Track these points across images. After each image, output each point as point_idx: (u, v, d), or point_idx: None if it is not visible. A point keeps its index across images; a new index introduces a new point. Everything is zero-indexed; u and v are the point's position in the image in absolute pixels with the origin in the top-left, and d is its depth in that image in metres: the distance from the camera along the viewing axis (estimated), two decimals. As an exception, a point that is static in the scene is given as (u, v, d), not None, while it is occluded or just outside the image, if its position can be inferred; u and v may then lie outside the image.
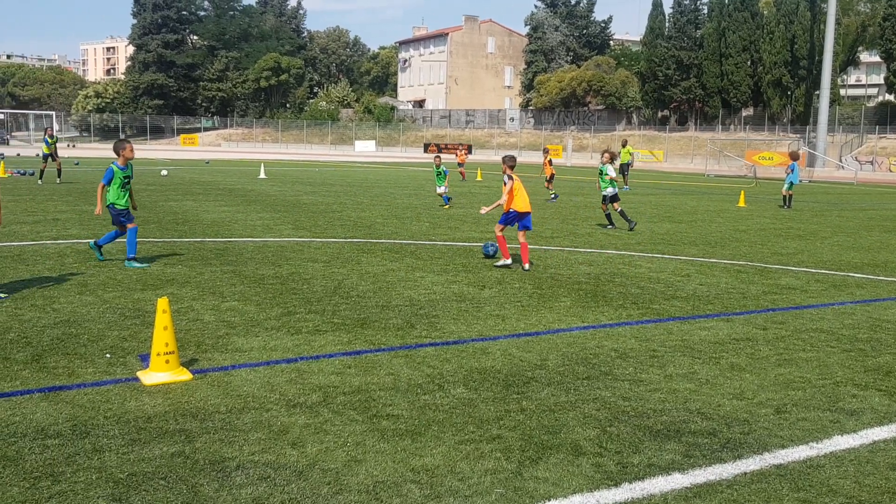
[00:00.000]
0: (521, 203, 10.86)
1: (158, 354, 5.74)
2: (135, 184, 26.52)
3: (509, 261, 11.05)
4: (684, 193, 29.99)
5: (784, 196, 23.83)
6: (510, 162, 11.11)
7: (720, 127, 72.55)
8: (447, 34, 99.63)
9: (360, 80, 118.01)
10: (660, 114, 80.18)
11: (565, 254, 12.71)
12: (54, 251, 11.47)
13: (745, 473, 4.44)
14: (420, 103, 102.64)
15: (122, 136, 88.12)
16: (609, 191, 16.37)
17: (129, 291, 8.76)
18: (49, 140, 26.00)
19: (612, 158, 16.83)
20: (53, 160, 25.81)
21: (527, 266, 10.81)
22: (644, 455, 4.65)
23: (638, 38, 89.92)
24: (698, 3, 75.01)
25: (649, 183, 37.34)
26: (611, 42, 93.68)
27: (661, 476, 4.38)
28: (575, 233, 15.71)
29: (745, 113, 73.82)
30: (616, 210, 16.59)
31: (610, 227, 16.71)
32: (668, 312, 8.57)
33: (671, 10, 75.43)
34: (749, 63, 69.37)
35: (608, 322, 8.03)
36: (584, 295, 9.35)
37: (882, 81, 76.30)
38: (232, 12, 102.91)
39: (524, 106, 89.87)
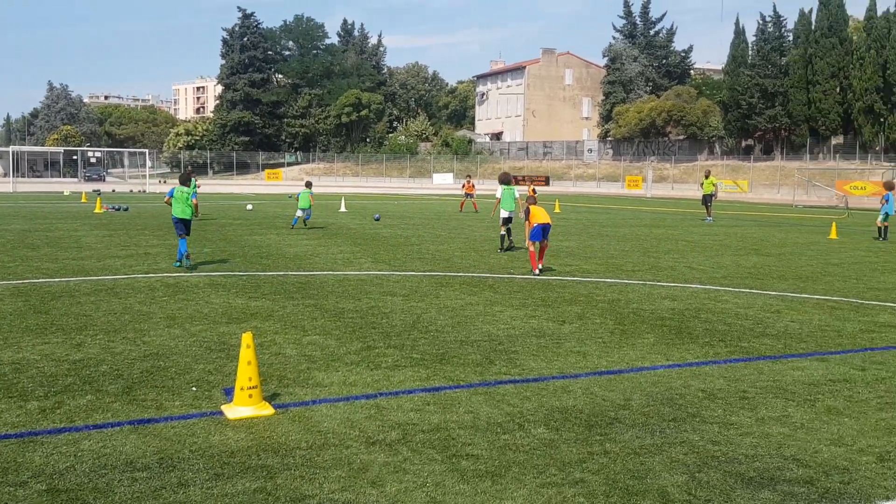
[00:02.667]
0: (540, 218, 13.47)
1: (242, 389, 5.84)
2: (221, 218, 27.45)
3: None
4: (771, 225, 29.01)
5: (879, 227, 22.76)
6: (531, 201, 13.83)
7: (808, 156, 70.14)
8: (524, 67, 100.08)
9: (439, 113, 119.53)
10: (743, 143, 78.16)
11: (647, 288, 12.42)
12: (145, 284, 11.91)
13: (848, 528, 4.17)
14: (497, 136, 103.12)
15: (209, 173, 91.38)
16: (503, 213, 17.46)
17: (215, 325, 8.99)
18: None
19: (505, 181, 17.82)
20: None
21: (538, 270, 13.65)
22: (736, 504, 4.43)
23: (719, 67, 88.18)
24: (783, 30, 73.16)
25: (734, 214, 36.28)
26: (691, 71, 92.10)
27: (755, 528, 4.15)
28: (657, 266, 15.36)
29: (834, 141, 71.15)
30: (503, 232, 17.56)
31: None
32: (757, 351, 8.23)
33: (754, 38, 73.76)
34: (838, 90, 67.03)
35: (694, 360, 7.77)
36: (669, 331, 9.08)
37: (984, 106, 72.37)
38: (315, 51, 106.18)
39: (602, 137, 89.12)
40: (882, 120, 64.91)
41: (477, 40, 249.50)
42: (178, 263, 13.91)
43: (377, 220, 26.08)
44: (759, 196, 63.12)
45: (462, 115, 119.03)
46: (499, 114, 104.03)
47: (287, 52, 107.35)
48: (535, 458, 5.06)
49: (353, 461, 4.96)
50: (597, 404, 6.22)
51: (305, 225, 23.33)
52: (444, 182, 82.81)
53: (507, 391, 6.54)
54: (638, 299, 11.30)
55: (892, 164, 61.22)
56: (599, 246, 19.34)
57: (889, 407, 6.31)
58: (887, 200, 22.86)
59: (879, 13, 65.20)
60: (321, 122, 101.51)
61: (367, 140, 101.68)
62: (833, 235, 23.33)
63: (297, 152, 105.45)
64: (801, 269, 15.41)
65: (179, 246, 13.97)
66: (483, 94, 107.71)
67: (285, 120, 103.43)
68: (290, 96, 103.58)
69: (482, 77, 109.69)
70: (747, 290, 12.38)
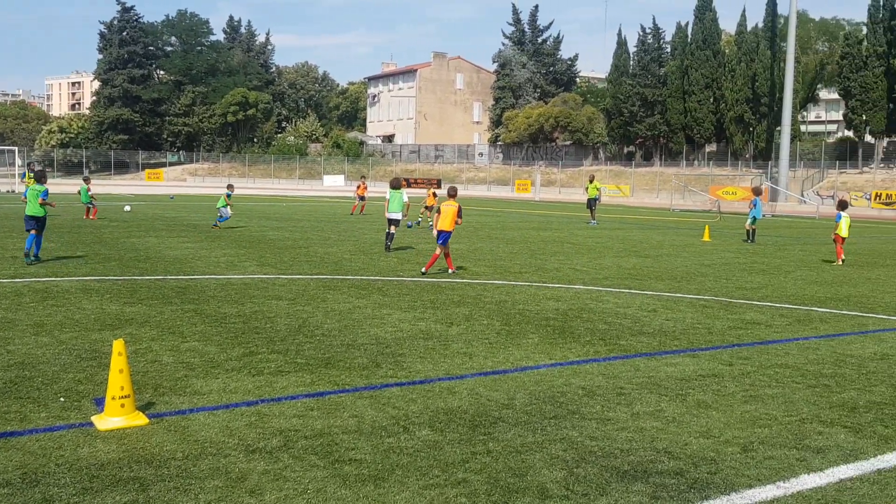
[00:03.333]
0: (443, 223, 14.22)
1: (113, 398, 5.56)
2: (99, 219, 26.12)
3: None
4: (651, 228, 30.30)
5: (747, 230, 24.18)
6: (452, 192, 14.67)
7: (685, 162, 73.78)
8: (416, 70, 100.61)
9: (329, 114, 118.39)
10: (626, 149, 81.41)
11: (533, 289, 12.70)
12: (11, 290, 11.17)
13: (713, 515, 4.38)
14: (389, 138, 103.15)
15: (85, 172, 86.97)
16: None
17: (87, 332, 8.54)
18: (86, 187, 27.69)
19: (395, 185, 18.51)
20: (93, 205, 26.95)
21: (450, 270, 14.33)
22: (611, 497, 4.58)
23: (603, 76, 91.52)
24: (661, 41, 76.73)
25: (616, 217, 37.68)
26: (577, 79, 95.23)
27: (628, 519, 4.30)
28: (543, 268, 15.73)
29: (708, 149, 75.21)
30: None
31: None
32: (634, 349, 8.55)
33: (635, 49, 77.02)
34: (712, 100, 70.86)
35: (576, 359, 7.99)
36: (552, 331, 9.31)
37: (841, 118, 78.37)
38: (199, 48, 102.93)
39: (493, 141, 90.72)
40: (751, 129, 69.13)
41: (368, 42, 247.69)
42: (29, 260, 14.19)
43: (410, 227, 26.17)
44: (640, 200, 65.85)
45: (353, 116, 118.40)
46: (390, 116, 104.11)
47: (169, 48, 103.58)
48: (419, 460, 5.06)
49: (231, 470, 4.81)
50: (481, 404, 6.30)
51: (217, 226, 23.39)
52: (334, 184, 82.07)
53: (392, 394, 6.52)
54: (524, 300, 11.54)
55: (761, 170, 65.26)
56: (489, 248, 19.63)
57: (753, 400, 6.70)
58: (755, 205, 24.32)
59: (749, 28, 69.38)
60: (206, 121, 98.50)
61: (255, 140, 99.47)
62: (706, 238, 24.60)
63: (180, 152, 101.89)
64: (676, 269, 16.16)
65: (28, 240, 14.31)
66: (374, 96, 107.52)
67: (167, 118, 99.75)
68: (172, 94, 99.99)
69: (373, 79, 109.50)
70: (627, 291, 12.87)
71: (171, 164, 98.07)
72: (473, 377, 7.13)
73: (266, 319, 9.49)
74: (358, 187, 34.88)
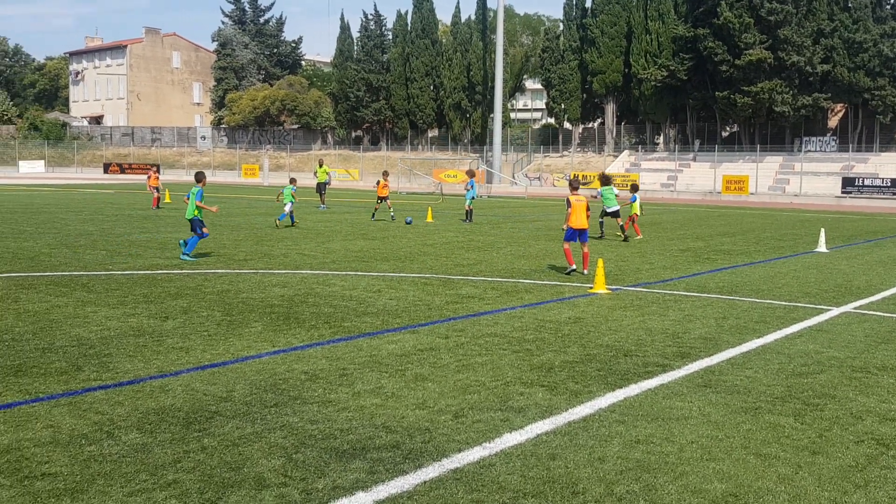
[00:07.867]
0: (577, 221, 13.08)
1: None
2: None
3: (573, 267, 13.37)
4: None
5: (466, 211, 25.71)
6: (575, 184, 13.41)
7: (410, 147, 76.50)
8: (126, 46, 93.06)
9: (24, 93, 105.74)
10: (353, 134, 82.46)
11: (259, 276, 12.41)
12: None
13: (425, 482, 4.59)
14: (98, 119, 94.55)
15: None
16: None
17: None
18: None
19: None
20: None
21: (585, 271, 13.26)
22: (329, 478, 4.61)
23: (329, 60, 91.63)
24: (383, 28, 78.51)
25: (346, 201, 38.10)
26: (302, 62, 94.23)
27: (345, 497, 4.37)
28: (270, 254, 15.44)
29: (430, 134, 78.67)
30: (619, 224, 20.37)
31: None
32: (358, 329, 8.70)
33: (358, 34, 78.00)
34: (432, 87, 74.07)
35: (300, 344, 7.94)
36: (277, 318, 9.16)
37: (544, 106, 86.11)
38: None
39: (216, 124, 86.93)
40: (468, 116, 73.42)
41: (68, 13, 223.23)
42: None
43: (409, 223, 23.92)
44: (369, 184, 67.18)
45: (54, 95, 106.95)
46: (98, 96, 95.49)
47: None
48: (124, 466, 4.70)
49: None
50: (197, 400, 6.01)
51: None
52: (33, 171, 73.75)
53: (96, 398, 5.99)
54: (248, 289, 11.22)
55: (477, 154, 69.72)
56: (211, 236, 18.82)
57: (465, 368, 7.13)
58: (471, 187, 25.93)
59: (463, 20, 73.47)
60: None
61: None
62: (429, 219, 25.76)
63: None
64: (401, 250, 16.73)
65: None
66: (78, 74, 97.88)
67: None
68: None
69: (76, 54, 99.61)
70: (353, 273, 13.05)
71: None
72: (189, 372, 6.78)
73: (-59, 327, 8.24)
74: (148, 178, 30.47)
